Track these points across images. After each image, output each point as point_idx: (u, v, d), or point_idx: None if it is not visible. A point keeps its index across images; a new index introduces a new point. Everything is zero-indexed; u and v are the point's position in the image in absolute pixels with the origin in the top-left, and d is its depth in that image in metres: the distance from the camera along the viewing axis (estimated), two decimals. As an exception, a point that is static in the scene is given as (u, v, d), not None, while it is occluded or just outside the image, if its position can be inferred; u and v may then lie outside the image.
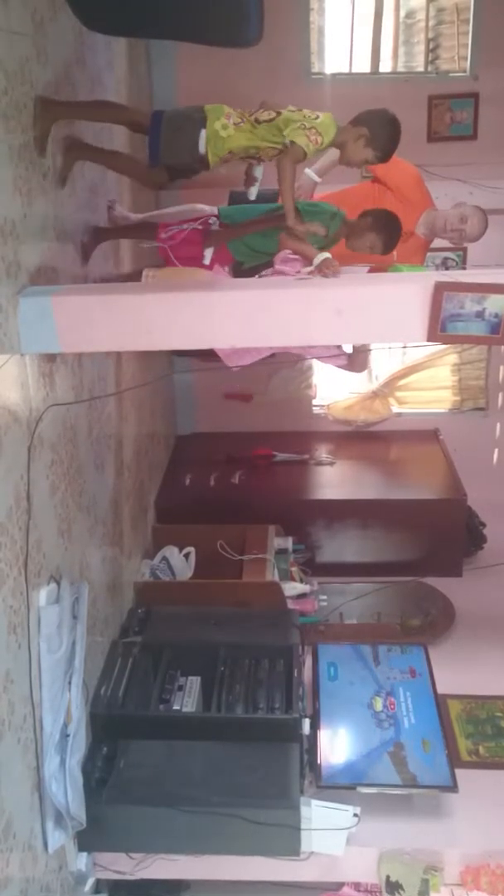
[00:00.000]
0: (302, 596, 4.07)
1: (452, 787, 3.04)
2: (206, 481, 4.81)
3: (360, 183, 3.63)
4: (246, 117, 2.75)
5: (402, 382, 5.50)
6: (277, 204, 2.93)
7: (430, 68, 4.95)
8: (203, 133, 2.70)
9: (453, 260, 5.02)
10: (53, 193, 2.73)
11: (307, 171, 3.26)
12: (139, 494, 4.17)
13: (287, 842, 2.81)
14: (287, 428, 5.43)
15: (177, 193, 4.21)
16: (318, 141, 2.70)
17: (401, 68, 4.99)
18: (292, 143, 2.67)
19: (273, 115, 2.73)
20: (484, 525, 4.87)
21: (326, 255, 2.61)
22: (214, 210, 3.39)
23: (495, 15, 4.60)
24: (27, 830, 2.40)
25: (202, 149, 2.73)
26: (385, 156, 2.82)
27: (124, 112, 3.07)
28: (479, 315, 2.36)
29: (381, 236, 2.95)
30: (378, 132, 2.77)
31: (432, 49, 4.91)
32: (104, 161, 3.14)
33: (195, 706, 3.15)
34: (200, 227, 3.17)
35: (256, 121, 2.73)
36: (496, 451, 5.54)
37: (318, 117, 2.73)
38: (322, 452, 5.16)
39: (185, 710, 3.10)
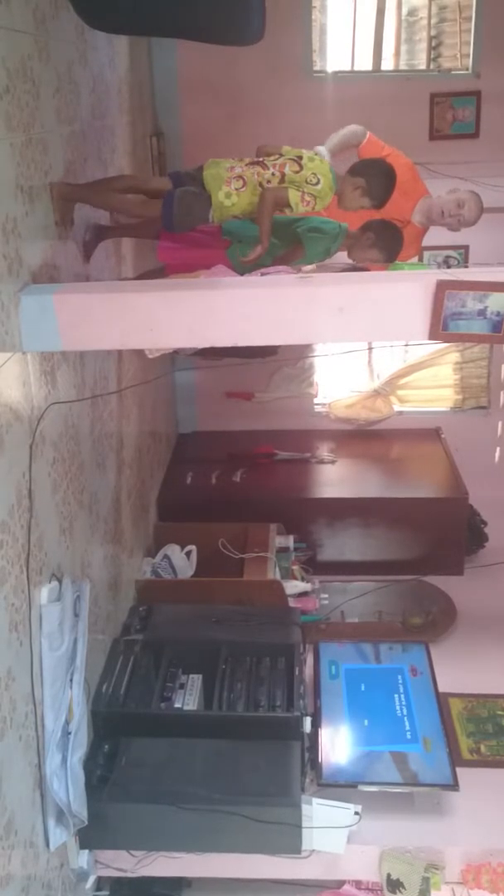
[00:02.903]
0: (303, 594, 4.07)
1: (453, 786, 3.04)
2: (208, 479, 4.81)
3: None
4: (247, 176, 2.84)
5: (403, 381, 5.50)
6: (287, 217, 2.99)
7: (432, 66, 4.95)
8: (211, 209, 2.88)
9: (455, 258, 5.02)
10: (53, 191, 2.73)
11: (318, 148, 3.34)
12: (141, 492, 4.17)
13: (288, 840, 2.81)
14: (288, 426, 5.43)
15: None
16: (309, 203, 2.85)
17: (403, 66, 4.99)
18: (286, 188, 2.83)
19: (278, 179, 2.85)
20: (485, 523, 4.87)
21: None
22: None
23: (497, 13, 4.60)
24: (29, 828, 2.40)
25: (211, 219, 2.92)
26: (380, 204, 2.95)
27: (142, 184, 3.26)
28: (481, 313, 2.36)
29: (383, 253, 3.00)
30: (374, 183, 2.90)
31: (434, 47, 4.91)
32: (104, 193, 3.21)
33: (196, 704, 3.16)
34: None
35: (260, 185, 2.85)
36: (497, 449, 5.54)
37: (318, 182, 2.84)
38: (323, 451, 5.16)
39: (186, 707, 3.11)
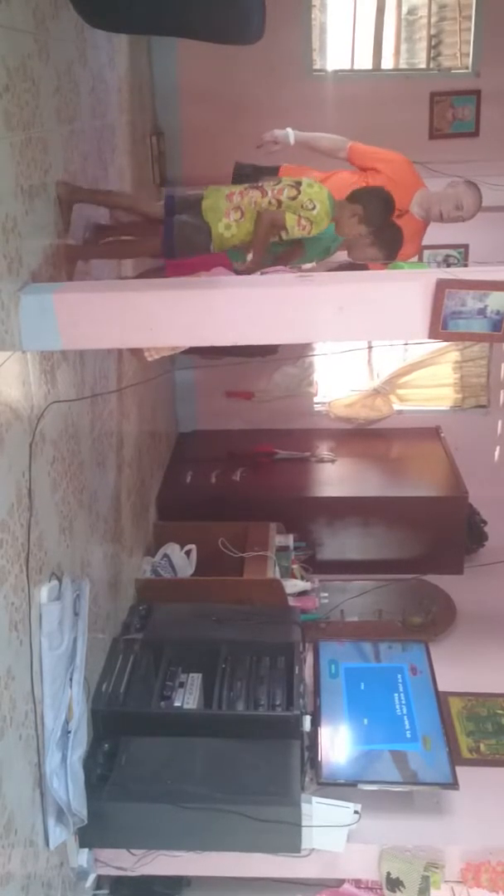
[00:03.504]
0: (303, 593, 4.07)
1: (453, 785, 3.04)
2: (208, 479, 4.81)
3: (350, 172, 3.61)
4: (245, 206, 2.86)
5: (403, 380, 5.50)
6: None
7: (431, 65, 4.94)
8: (211, 241, 2.90)
9: (455, 257, 5.02)
10: (55, 190, 2.73)
11: (289, 129, 3.39)
12: (140, 491, 4.17)
13: (288, 838, 2.81)
14: (288, 425, 5.44)
15: (178, 191, 4.21)
16: (305, 228, 2.87)
17: (403, 65, 4.98)
18: (283, 211, 2.85)
19: (275, 206, 2.85)
20: (485, 522, 4.87)
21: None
22: None
23: (497, 12, 4.59)
24: (28, 827, 2.40)
25: (212, 249, 2.93)
26: (378, 230, 2.94)
27: (139, 205, 3.33)
28: (481, 312, 2.36)
29: (382, 251, 3.00)
30: (371, 211, 2.90)
31: (434, 46, 4.90)
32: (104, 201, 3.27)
33: (196, 703, 3.16)
34: None
35: (258, 212, 2.85)
36: (497, 448, 5.54)
37: (314, 208, 2.85)
38: (323, 450, 5.16)
39: (186, 706, 3.11)
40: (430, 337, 2.42)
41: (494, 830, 3.02)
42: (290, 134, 3.46)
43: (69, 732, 2.59)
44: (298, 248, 3.07)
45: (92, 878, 2.93)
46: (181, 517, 4.51)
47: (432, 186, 3.64)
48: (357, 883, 3.12)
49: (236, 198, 2.88)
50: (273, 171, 3.41)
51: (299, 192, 2.86)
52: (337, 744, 3.24)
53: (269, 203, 2.86)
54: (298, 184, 2.89)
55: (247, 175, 3.42)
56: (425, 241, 3.77)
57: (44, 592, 2.51)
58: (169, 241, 2.91)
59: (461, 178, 3.45)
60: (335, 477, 4.96)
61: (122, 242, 3.30)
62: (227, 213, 2.86)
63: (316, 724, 3.26)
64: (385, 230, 3.00)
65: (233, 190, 2.91)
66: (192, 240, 2.89)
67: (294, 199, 2.85)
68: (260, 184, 2.93)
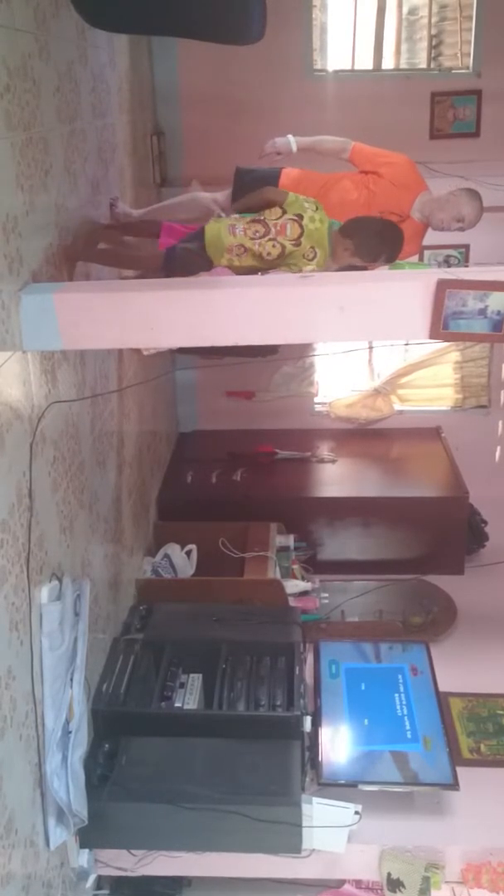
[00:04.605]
0: (304, 593, 4.08)
1: (454, 785, 3.04)
2: (208, 479, 4.81)
3: (351, 178, 3.60)
4: (248, 244, 2.85)
5: (404, 380, 5.50)
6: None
7: (432, 65, 4.94)
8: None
9: (455, 257, 5.02)
10: (56, 190, 2.73)
11: (290, 136, 3.40)
12: (141, 492, 4.17)
13: (288, 839, 2.81)
14: (289, 425, 5.44)
15: (179, 191, 4.21)
16: None
17: (403, 65, 4.98)
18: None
19: (278, 251, 2.83)
20: (486, 523, 4.87)
21: None
22: (216, 196, 3.49)
23: (498, 12, 4.60)
24: (29, 827, 2.40)
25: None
26: (373, 262, 2.92)
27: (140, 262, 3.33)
28: (482, 312, 2.36)
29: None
30: (363, 244, 2.88)
31: (435, 46, 4.90)
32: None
33: (197, 703, 3.16)
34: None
35: (261, 255, 2.85)
36: (498, 448, 5.54)
37: (314, 257, 2.84)
38: (324, 450, 5.16)
39: (186, 707, 3.11)
40: (430, 337, 2.42)
41: (495, 831, 3.02)
42: (292, 141, 3.44)
43: (70, 732, 2.59)
44: None
45: (92, 878, 2.93)
46: (181, 517, 4.51)
47: (433, 187, 3.63)
48: (358, 883, 3.12)
49: (239, 233, 2.87)
50: (274, 175, 3.38)
51: (302, 231, 2.83)
52: (337, 744, 3.24)
53: (273, 247, 2.83)
54: (300, 217, 2.86)
55: (249, 181, 3.40)
56: (426, 241, 3.76)
57: (44, 592, 2.51)
58: (170, 265, 2.93)
59: (463, 187, 3.42)
60: (336, 477, 4.96)
61: (124, 254, 3.31)
62: (230, 250, 2.87)
63: (316, 724, 3.25)
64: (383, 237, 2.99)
65: (234, 224, 2.90)
66: (192, 268, 2.87)
67: (297, 243, 2.82)
68: (261, 217, 2.90)
